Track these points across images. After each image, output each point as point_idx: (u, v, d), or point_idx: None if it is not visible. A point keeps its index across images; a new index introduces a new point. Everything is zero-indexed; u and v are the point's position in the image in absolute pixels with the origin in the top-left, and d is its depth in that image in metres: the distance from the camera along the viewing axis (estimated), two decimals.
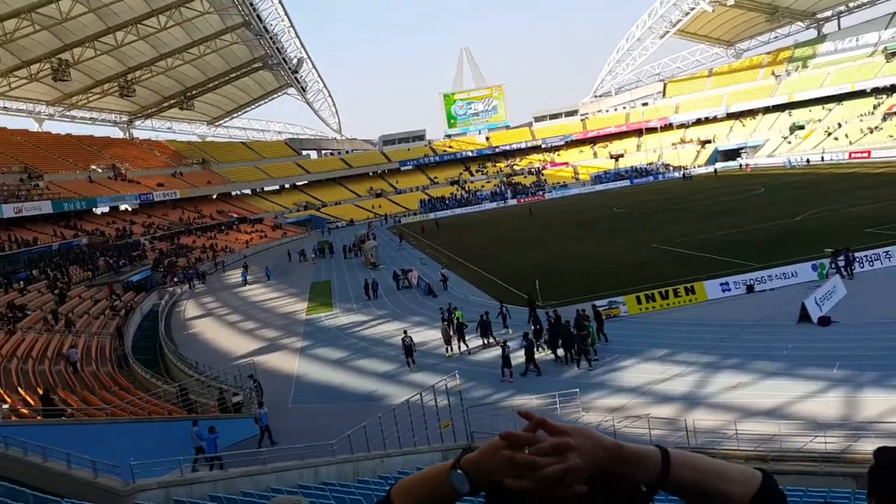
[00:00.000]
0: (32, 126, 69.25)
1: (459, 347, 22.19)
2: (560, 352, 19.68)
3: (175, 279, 47.30)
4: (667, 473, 1.04)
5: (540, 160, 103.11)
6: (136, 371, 24.73)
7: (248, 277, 45.70)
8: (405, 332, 22.34)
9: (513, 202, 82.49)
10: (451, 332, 22.37)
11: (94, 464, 10.60)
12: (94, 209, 62.45)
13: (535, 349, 19.39)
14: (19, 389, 18.72)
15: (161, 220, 67.50)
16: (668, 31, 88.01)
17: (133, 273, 45.85)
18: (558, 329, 19.82)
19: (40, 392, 17.85)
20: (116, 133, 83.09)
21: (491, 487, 1.07)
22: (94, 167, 68.07)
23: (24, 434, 12.13)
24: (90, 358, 25.87)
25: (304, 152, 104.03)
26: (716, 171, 78.61)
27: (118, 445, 14.15)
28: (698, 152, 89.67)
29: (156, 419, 16.82)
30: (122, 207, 68.65)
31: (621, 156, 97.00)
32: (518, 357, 19.16)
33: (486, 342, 22.20)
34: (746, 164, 77.73)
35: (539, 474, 0.98)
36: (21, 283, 37.82)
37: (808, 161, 68.43)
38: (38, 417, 15.44)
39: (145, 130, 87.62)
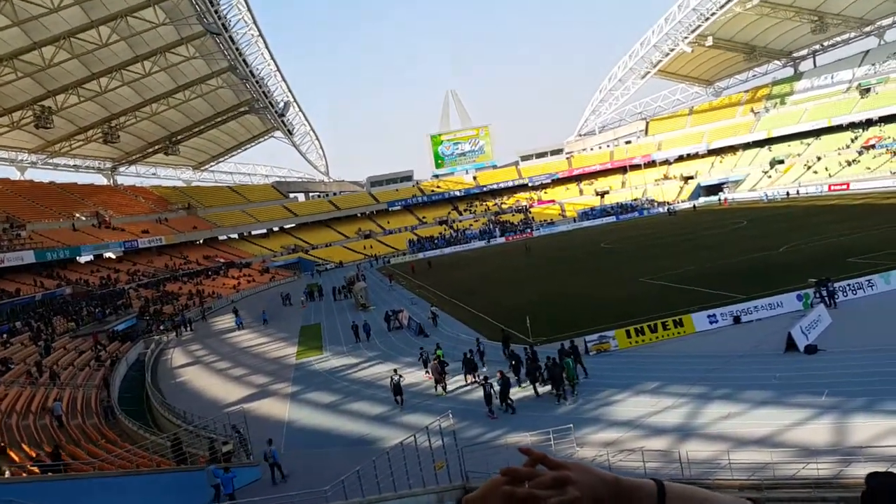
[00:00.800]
0: (14, 175, 68.80)
1: (439, 387, 22.30)
2: (546, 387, 19.76)
3: (161, 327, 46.78)
4: None
5: (527, 198, 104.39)
6: (122, 422, 24.25)
7: (242, 322, 45.15)
8: (395, 370, 22.56)
9: (501, 240, 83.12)
10: (442, 371, 22.40)
11: None
12: (77, 258, 61.79)
13: (510, 387, 19.42)
14: (2, 445, 18.29)
15: (146, 267, 67.12)
16: (648, 72, 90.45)
17: (118, 322, 45.32)
18: (535, 365, 20.17)
19: (47, 450, 17.54)
20: (100, 180, 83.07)
21: None
22: (77, 215, 67.72)
23: (10, 493, 11.83)
24: (76, 411, 25.36)
25: (292, 195, 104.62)
26: (694, 206, 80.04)
27: (106, 500, 13.88)
28: (681, 188, 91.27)
29: (144, 472, 16.48)
30: (107, 255, 68.18)
31: (607, 192, 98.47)
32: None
33: (470, 380, 22.25)
34: (725, 199, 79.53)
35: None
36: (3, 335, 37.28)
37: (787, 194, 69.86)
38: (24, 474, 15.07)
39: (130, 177, 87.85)
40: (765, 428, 14.28)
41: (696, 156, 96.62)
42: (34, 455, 17.47)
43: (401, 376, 21.93)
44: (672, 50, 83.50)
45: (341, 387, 25.56)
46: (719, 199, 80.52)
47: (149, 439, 20.11)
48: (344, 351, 31.96)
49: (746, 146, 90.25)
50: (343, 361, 29.84)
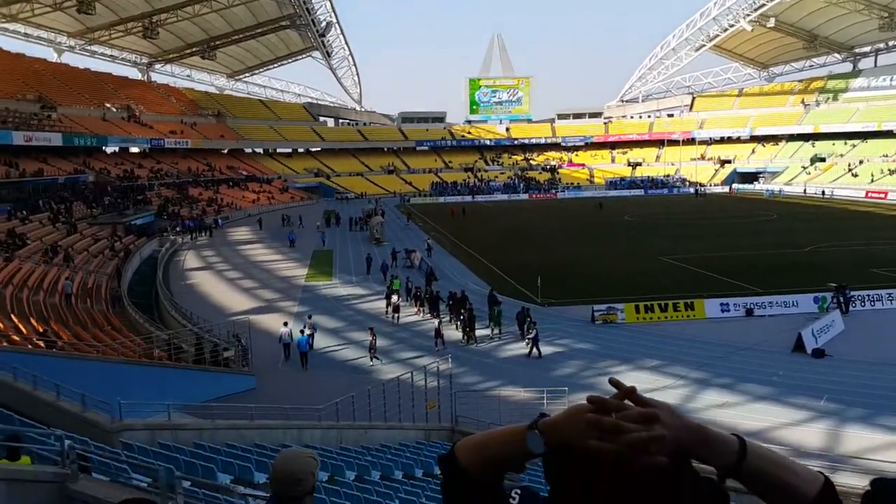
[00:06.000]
0: (51, 56, 68.64)
1: (393, 317, 24.63)
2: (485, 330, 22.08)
3: (178, 228, 47.29)
4: (742, 461, 1.05)
5: (557, 158, 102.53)
6: (129, 313, 24.80)
7: (325, 237, 44.64)
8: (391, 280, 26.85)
9: (524, 196, 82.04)
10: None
11: (83, 398, 10.64)
12: (104, 147, 62.03)
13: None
14: (12, 316, 18.79)
15: (170, 167, 67.45)
16: (703, 45, 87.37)
17: (136, 217, 45.92)
18: (460, 304, 22.91)
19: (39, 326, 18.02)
20: (135, 74, 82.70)
21: (562, 452, 1.07)
22: (108, 105, 67.78)
23: (15, 361, 12.14)
24: (86, 294, 25.98)
25: (322, 119, 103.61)
26: (696, 192, 77.67)
27: (104, 384, 14.22)
28: (716, 171, 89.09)
29: (145, 363, 16.91)
30: (133, 149, 68.41)
31: (639, 164, 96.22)
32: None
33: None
34: (732, 188, 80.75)
35: (624, 438, 0.99)
36: (24, 212, 37.80)
37: (823, 193, 68.13)
38: (29, 346, 15.45)
39: (164, 75, 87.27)
40: (758, 423, 14.29)
41: (737, 140, 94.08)
42: (41, 330, 17.95)
43: (399, 296, 25.22)
44: (732, 26, 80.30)
45: (346, 315, 25.88)
46: (730, 188, 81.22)
47: (153, 333, 20.55)
48: (353, 281, 32.20)
49: (790, 138, 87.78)
50: (351, 291, 30.12)
